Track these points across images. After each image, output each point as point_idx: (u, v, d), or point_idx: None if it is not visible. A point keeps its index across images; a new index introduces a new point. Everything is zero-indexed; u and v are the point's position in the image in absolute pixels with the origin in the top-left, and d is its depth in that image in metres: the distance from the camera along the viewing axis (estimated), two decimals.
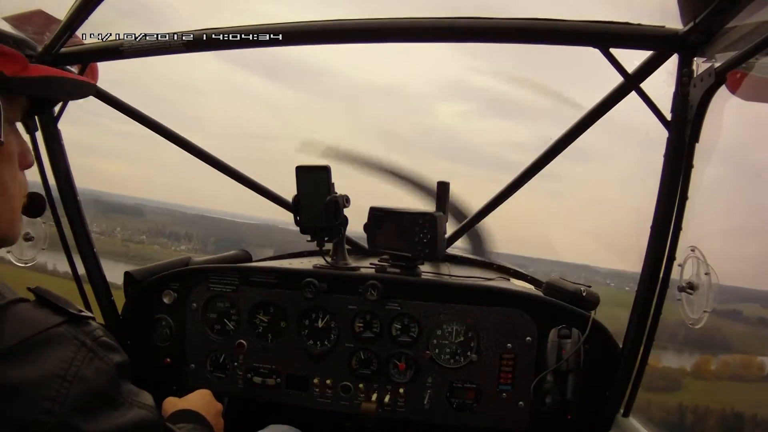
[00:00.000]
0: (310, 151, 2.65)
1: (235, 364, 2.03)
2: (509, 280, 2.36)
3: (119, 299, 2.19)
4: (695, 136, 1.55)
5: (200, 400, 1.44)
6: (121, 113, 2.09)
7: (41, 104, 1.12)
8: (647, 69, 1.65)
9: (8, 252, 2.04)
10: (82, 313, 0.85)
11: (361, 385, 1.94)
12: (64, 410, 0.75)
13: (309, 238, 2.07)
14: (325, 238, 2.07)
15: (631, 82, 1.67)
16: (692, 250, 1.59)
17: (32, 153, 1.01)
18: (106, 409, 0.81)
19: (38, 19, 1.71)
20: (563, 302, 1.85)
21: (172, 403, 1.44)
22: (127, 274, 2.12)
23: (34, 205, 1.05)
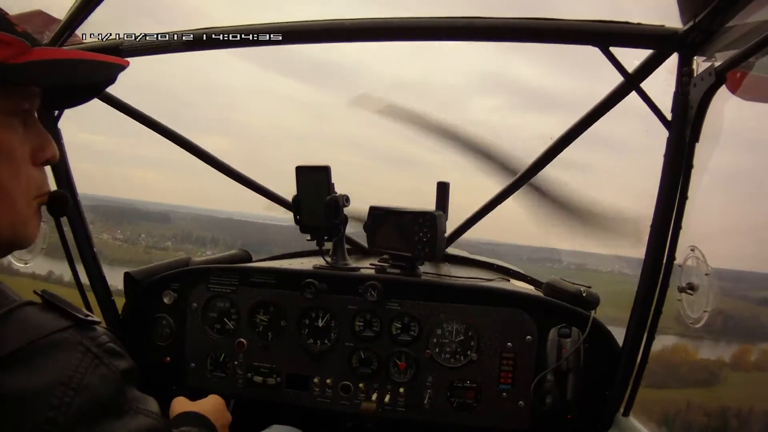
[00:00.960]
0: (366, 105, 2.38)
1: (236, 363, 2.03)
2: (509, 280, 2.36)
3: (120, 300, 2.19)
4: (695, 136, 1.54)
5: (212, 408, 1.41)
6: (122, 113, 2.10)
7: (67, 92, 1.00)
8: (647, 68, 1.65)
9: None
10: (89, 318, 0.83)
11: (361, 385, 1.94)
12: (69, 419, 0.73)
13: (309, 238, 2.07)
14: (325, 238, 2.07)
15: (631, 82, 1.67)
16: (692, 250, 1.59)
17: (53, 147, 0.91)
18: (111, 418, 0.80)
19: (38, 19, 1.71)
20: (563, 303, 1.85)
21: (182, 404, 1.42)
22: (127, 275, 2.12)
23: (56, 204, 0.96)
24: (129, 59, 0.99)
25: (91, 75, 0.96)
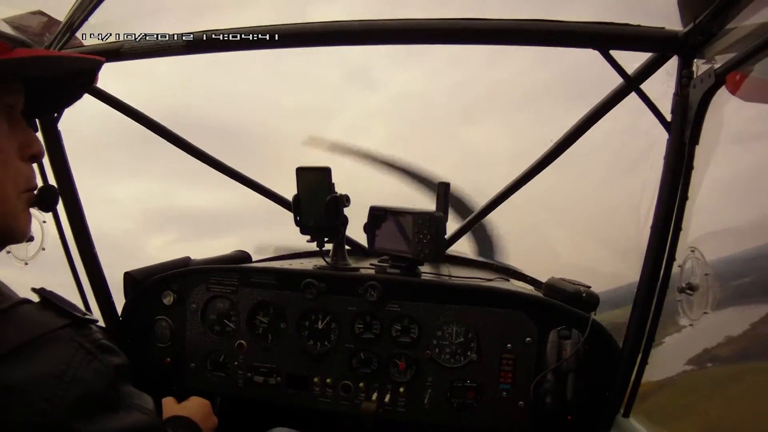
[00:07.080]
0: (316, 145, 2.83)
1: (236, 363, 2.03)
2: (509, 280, 2.36)
3: (119, 300, 2.18)
4: (695, 138, 1.55)
5: (199, 411, 1.42)
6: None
7: (49, 94, 1.04)
8: (647, 71, 1.65)
9: (8, 252, 2.04)
10: (86, 317, 0.84)
11: (361, 385, 1.94)
12: (61, 412, 0.73)
13: (309, 239, 2.07)
14: (325, 239, 2.07)
15: (631, 84, 1.68)
16: (692, 251, 1.59)
17: (38, 143, 0.94)
18: (105, 412, 0.80)
19: (38, 19, 1.71)
20: (563, 303, 1.86)
21: (170, 406, 1.42)
22: (127, 275, 2.11)
23: (45, 199, 1.00)
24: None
25: (67, 68, 1.01)
